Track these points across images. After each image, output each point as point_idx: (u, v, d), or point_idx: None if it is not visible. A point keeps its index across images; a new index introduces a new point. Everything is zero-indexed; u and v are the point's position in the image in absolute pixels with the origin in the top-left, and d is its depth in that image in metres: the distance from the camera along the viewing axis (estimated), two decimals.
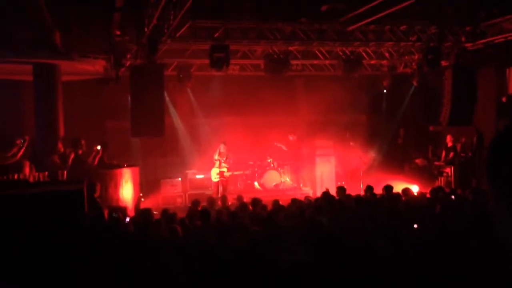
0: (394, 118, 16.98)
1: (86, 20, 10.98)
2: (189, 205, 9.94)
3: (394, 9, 9.87)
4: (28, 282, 4.44)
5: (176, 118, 15.53)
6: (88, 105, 14.10)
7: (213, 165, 13.94)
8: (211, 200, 9.57)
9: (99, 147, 11.53)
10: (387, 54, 14.49)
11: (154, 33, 10.58)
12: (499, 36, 11.97)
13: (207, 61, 11.75)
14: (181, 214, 8.27)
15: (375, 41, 12.60)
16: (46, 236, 4.56)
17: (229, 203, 9.85)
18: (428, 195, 9.46)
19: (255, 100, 15.20)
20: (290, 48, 12.91)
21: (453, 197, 9.17)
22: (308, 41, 12.19)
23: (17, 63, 10.94)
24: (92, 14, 11.02)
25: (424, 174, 14.86)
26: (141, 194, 12.57)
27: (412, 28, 12.28)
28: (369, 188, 9.83)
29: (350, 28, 11.61)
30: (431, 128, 16.03)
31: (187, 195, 13.98)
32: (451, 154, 14.28)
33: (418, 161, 15.54)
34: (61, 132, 11.46)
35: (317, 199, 9.04)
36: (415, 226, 6.58)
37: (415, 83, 15.24)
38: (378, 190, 9.67)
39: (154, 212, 8.85)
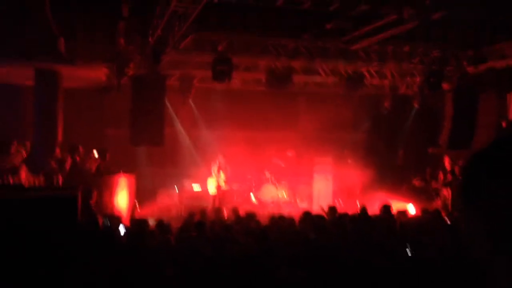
0: (394, 139, 16.96)
1: (91, 28, 11.06)
2: (185, 215, 9.89)
3: (398, 31, 9.91)
4: (18, 286, 4.41)
5: (177, 129, 15.53)
6: (89, 113, 14.13)
7: (210, 177, 13.90)
8: (204, 212, 9.52)
9: (96, 154, 11.52)
10: (389, 75, 14.53)
11: (158, 44, 10.64)
12: (501, 61, 12.02)
13: (209, 73, 11.79)
14: (175, 224, 8.25)
15: (377, 61, 12.65)
16: (38, 240, 4.54)
17: (225, 216, 9.80)
18: (422, 216, 9.39)
19: (256, 114, 15.24)
20: (292, 63, 12.95)
21: (448, 221, 9.11)
22: (311, 57, 12.23)
23: (19, 68, 10.99)
24: (98, 22, 11.10)
25: (421, 195, 14.81)
26: (136, 202, 12.51)
27: (415, 50, 12.33)
28: (364, 210, 9.61)
29: (354, 47, 11.67)
30: (430, 150, 16.02)
31: (183, 206, 13.92)
32: (449, 176, 14.25)
33: (415, 182, 15.51)
34: (60, 138, 11.46)
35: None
36: (409, 247, 6.54)
37: (416, 105, 15.27)
38: (374, 209, 9.58)
39: (150, 219, 8.81)
